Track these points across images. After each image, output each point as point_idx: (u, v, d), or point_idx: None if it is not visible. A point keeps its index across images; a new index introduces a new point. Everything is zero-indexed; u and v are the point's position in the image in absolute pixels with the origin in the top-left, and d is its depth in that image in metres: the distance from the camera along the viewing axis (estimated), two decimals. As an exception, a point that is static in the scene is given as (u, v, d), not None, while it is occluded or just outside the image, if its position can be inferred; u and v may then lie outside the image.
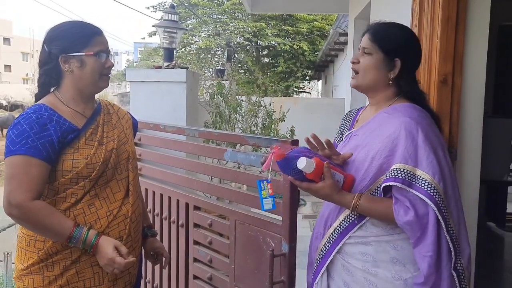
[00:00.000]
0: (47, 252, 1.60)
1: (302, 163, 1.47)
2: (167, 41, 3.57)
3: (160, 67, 3.48)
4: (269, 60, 19.25)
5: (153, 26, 3.82)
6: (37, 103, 1.65)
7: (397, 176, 1.45)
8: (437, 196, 1.43)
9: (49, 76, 1.67)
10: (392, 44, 1.61)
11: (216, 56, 19.41)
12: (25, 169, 1.52)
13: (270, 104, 5.10)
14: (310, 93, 22.81)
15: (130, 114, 1.95)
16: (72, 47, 1.63)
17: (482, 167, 2.20)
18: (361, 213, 1.54)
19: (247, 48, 18.62)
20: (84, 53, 1.64)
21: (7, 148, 1.54)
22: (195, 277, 2.53)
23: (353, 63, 1.67)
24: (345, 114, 1.90)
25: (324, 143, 1.62)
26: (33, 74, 49.07)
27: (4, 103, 20.22)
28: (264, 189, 1.66)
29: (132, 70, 3.57)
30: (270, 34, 17.82)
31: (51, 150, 1.56)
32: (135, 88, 3.39)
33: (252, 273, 2.13)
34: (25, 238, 1.63)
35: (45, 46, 1.66)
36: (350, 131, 1.75)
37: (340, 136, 1.83)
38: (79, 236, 1.57)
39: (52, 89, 1.71)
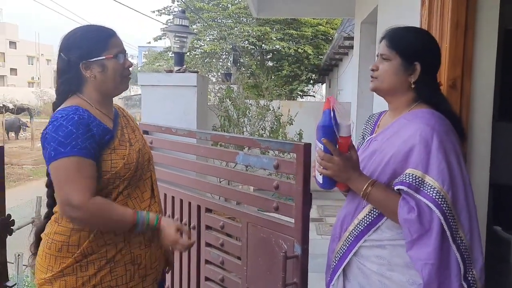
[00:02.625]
0: (83, 252, 1.60)
1: (345, 121, 1.49)
2: (178, 46, 3.61)
3: (171, 71, 3.52)
4: (274, 64, 19.28)
5: (164, 30, 3.90)
6: (69, 105, 1.62)
7: (404, 180, 1.47)
8: (444, 205, 1.43)
9: (70, 83, 1.67)
10: (410, 48, 1.60)
11: (221, 60, 19.47)
12: (80, 169, 1.52)
13: (279, 108, 5.14)
14: (314, 97, 22.83)
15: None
16: (92, 53, 1.63)
17: (491, 171, 2.21)
18: (371, 200, 1.55)
19: (252, 52, 18.67)
20: (104, 57, 1.65)
21: (55, 150, 1.51)
22: (207, 279, 2.56)
23: (372, 70, 1.67)
24: (367, 118, 1.90)
25: None
26: (38, 78, 49.32)
27: (11, 106, 20.27)
28: None
29: (144, 74, 3.61)
30: (274, 38, 17.84)
31: (96, 150, 1.58)
32: (147, 92, 3.43)
33: (264, 275, 2.15)
34: (55, 244, 1.62)
35: (62, 54, 1.66)
36: (371, 136, 1.76)
37: (362, 140, 1.85)
38: (142, 221, 1.61)
39: (69, 95, 1.70)
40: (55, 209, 1.67)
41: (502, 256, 4.02)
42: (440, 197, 1.43)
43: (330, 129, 1.52)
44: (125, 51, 1.74)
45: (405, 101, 1.65)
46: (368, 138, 1.79)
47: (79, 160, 1.52)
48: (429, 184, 1.45)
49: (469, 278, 1.46)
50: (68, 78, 1.66)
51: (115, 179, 1.64)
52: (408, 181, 1.46)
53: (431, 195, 1.44)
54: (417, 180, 1.46)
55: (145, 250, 1.73)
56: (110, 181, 1.64)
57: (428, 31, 1.96)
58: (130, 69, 1.77)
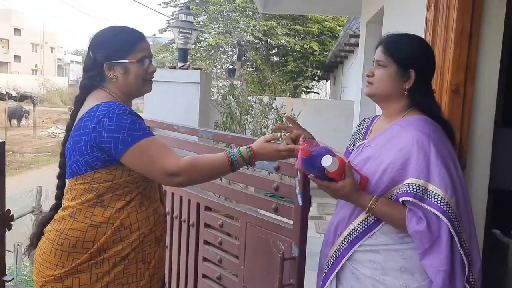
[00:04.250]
0: (99, 248, 1.61)
1: (327, 161, 1.47)
2: (182, 42, 3.61)
3: (174, 68, 3.52)
4: (279, 59, 19.24)
5: (168, 26, 3.89)
6: (106, 101, 1.63)
7: (409, 191, 1.48)
8: (450, 211, 1.45)
9: (93, 80, 1.70)
10: (405, 56, 1.63)
11: (226, 54, 19.43)
12: (159, 143, 1.59)
13: (282, 107, 5.13)
14: (318, 93, 22.78)
15: None
16: (117, 55, 1.67)
17: (492, 176, 2.22)
18: (376, 215, 1.57)
19: (257, 46, 18.62)
20: (127, 60, 1.67)
21: (131, 135, 1.55)
22: (204, 276, 2.57)
23: (368, 76, 1.69)
24: (359, 122, 1.92)
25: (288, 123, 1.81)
26: (42, 66, 49.32)
27: (14, 93, 20.25)
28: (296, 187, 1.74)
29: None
30: (280, 33, 17.78)
31: None
32: (149, 87, 3.43)
33: (261, 275, 2.16)
34: (69, 239, 1.62)
35: (90, 52, 1.70)
36: (363, 142, 1.77)
37: (353, 144, 1.86)
38: (235, 156, 1.65)
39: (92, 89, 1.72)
40: (69, 203, 1.67)
41: (500, 260, 4.02)
42: (445, 204, 1.45)
43: (316, 172, 1.55)
44: (151, 55, 1.76)
45: (399, 108, 1.67)
46: (360, 143, 1.80)
47: (155, 138, 1.61)
48: (433, 192, 1.46)
49: (471, 280, 1.50)
50: (91, 76, 1.70)
51: (140, 179, 1.67)
52: (412, 192, 1.48)
53: (436, 203, 1.46)
54: (420, 189, 1.47)
55: (155, 249, 1.75)
56: (135, 180, 1.66)
57: (424, 38, 1.96)
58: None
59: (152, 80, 1.79)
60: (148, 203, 1.73)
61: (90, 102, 1.66)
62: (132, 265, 1.67)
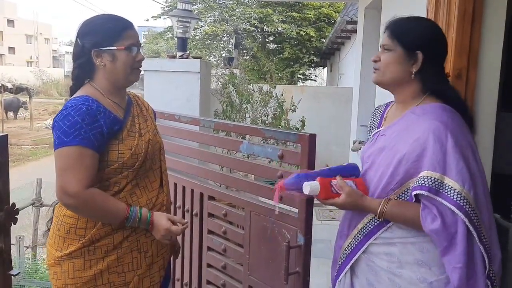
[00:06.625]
0: (91, 239, 1.65)
1: (306, 188, 1.49)
2: (181, 31, 3.58)
3: (174, 57, 3.49)
4: (275, 46, 19.12)
5: (167, 15, 3.84)
6: (81, 95, 1.66)
7: (423, 184, 1.42)
8: (467, 206, 1.39)
9: (83, 69, 1.71)
10: (411, 38, 1.57)
11: (222, 43, 19.29)
12: (80, 159, 1.56)
13: (282, 95, 5.10)
14: (315, 81, 22.67)
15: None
16: (104, 42, 1.67)
17: (495, 161, 2.21)
18: (389, 218, 1.52)
19: (253, 34, 18.50)
20: (115, 48, 1.67)
21: (59, 139, 1.56)
22: (209, 266, 2.58)
23: (374, 61, 1.64)
24: (374, 110, 1.86)
25: None
26: (37, 57, 48.92)
27: (9, 85, 20.08)
28: None
29: (147, 59, 3.59)
30: (276, 20, 17.65)
31: (101, 140, 1.61)
32: (150, 77, 3.41)
33: (266, 263, 2.16)
34: (64, 226, 1.68)
35: (78, 40, 1.70)
36: (378, 130, 1.72)
37: (370, 133, 1.81)
38: (134, 215, 1.66)
39: (85, 81, 1.74)
40: None
41: (501, 244, 4.04)
42: (462, 198, 1.39)
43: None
44: (140, 44, 1.76)
45: (411, 93, 1.61)
46: (375, 131, 1.74)
47: (80, 150, 1.56)
48: (449, 186, 1.40)
49: (491, 275, 1.44)
50: (81, 64, 1.71)
51: (122, 169, 1.68)
52: (427, 185, 1.41)
53: (452, 197, 1.39)
54: (436, 182, 1.41)
55: (151, 237, 1.76)
56: (117, 171, 1.67)
57: (433, 21, 1.93)
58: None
59: (140, 68, 1.79)
60: (141, 193, 1.74)
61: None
62: (126, 254, 1.71)
